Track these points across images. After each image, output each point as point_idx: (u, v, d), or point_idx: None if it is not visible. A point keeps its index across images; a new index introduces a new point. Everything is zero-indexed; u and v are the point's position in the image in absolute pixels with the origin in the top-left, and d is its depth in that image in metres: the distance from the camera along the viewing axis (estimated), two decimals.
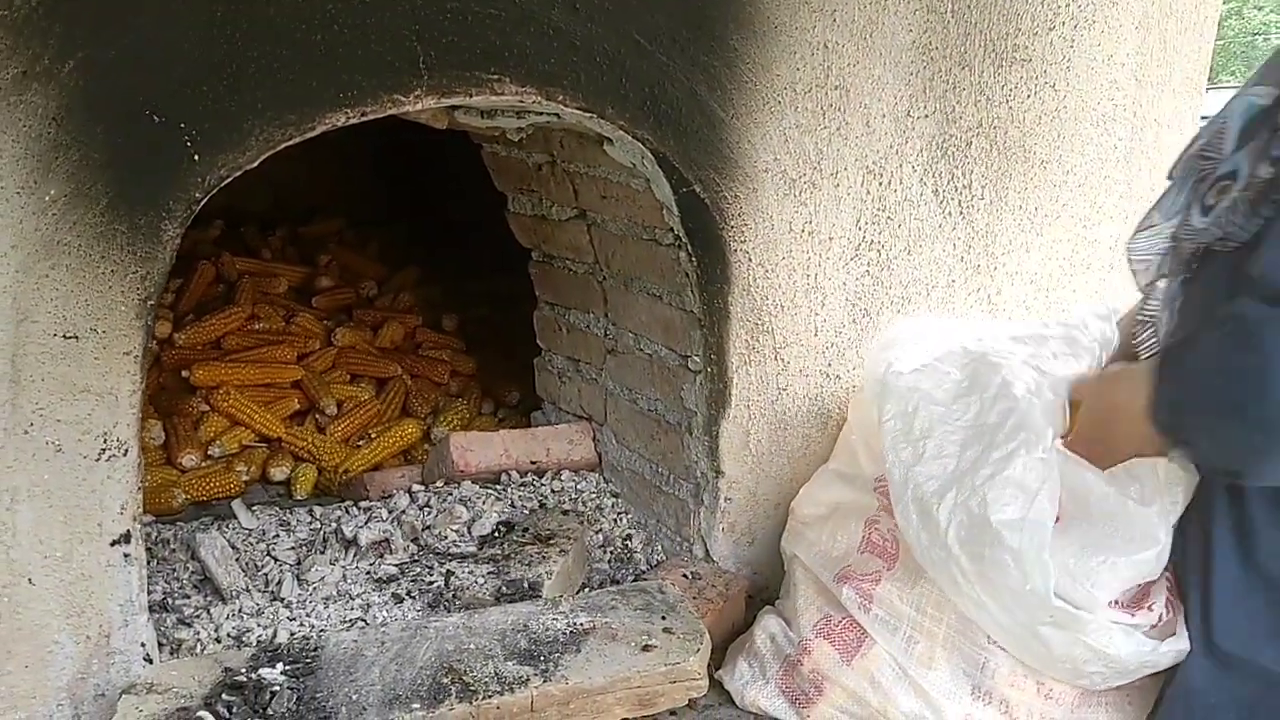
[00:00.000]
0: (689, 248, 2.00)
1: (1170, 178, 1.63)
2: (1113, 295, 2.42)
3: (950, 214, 2.23)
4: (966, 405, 1.69)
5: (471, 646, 1.69)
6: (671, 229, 2.02)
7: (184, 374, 2.76)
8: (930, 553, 1.64)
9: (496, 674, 1.62)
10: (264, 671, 1.62)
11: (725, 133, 1.93)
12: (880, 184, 2.13)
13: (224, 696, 1.56)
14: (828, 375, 2.17)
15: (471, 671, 1.63)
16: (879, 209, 2.14)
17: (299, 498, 2.57)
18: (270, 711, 1.53)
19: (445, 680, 1.60)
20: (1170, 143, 2.50)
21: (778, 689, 1.83)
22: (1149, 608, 1.55)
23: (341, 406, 2.87)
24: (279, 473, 2.63)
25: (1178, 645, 1.54)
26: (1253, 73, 1.54)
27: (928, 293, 2.25)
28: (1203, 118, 2.62)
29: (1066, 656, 1.57)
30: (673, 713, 1.80)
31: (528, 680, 1.62)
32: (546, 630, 1.75)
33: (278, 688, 1.57)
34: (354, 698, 1.56)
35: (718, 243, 1.99)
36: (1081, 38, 2.28)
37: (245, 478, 2.60)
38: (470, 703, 1.56)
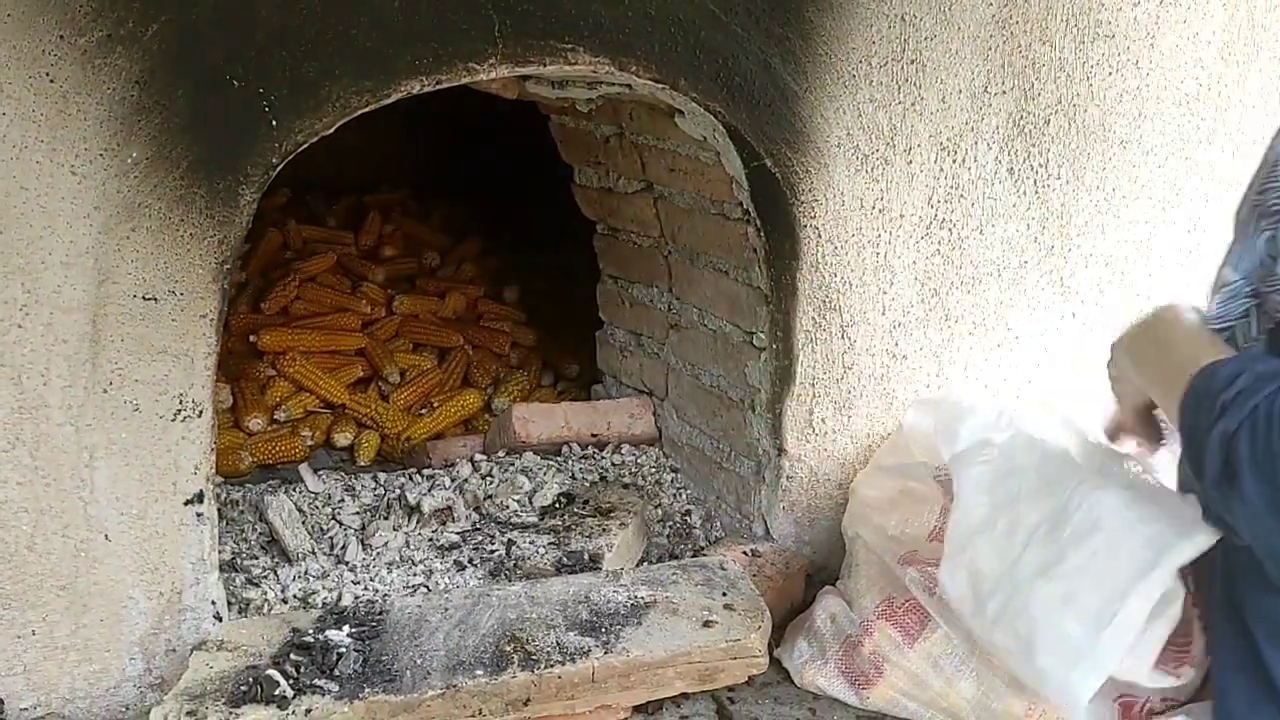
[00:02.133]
0: (758, 223, 1.98)
1: (1237, 222, 1.46)
2: (1186, 282, 2.37)
3: (1025, 193, 2.18)
4: (1044, 497, 1.56)
5: (533, 616, 1.70)
6: (740, 203, 2.00)
7: (251, 339, 2.80)
8: (973, 622, 1.59)
9: (558, 644, 1.63)
10: (330, 633, 1.64)
11: (798, 106, 1.90)
12: (954, 161, 2.09)
13: (292, 656, 1.58)
14: (894, 355, 2.14)
15: (534, 640, 1.64)
16: (952, 186, 2.10)
17: (362, 464, 2.60)
18: (337, 672, 1.55)
19: (508, 648, 1.62)
20: (1256, 125, 2.42)
21: (837, 669, 1.82)
22: (1189, 663, 1.46)
23: (404, 375, 2.89)
24: (342, 439, 2.67)
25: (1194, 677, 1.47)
26: None
27: (999, 273, 2.20)
28: None
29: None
30: (731, 689, 1.80)
31: (589, 651, 1.62)
32: (608, 602, 1.75)
33: (344, 649, 1.59)
34: (418, 662, 1.58)
35: (787, 218, 1.96)
36: (1167, 14, 2.21)
37: (310, 442, 2.63)
38: (533, 671, 1.57)
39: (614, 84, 1.88)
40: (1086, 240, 2.29)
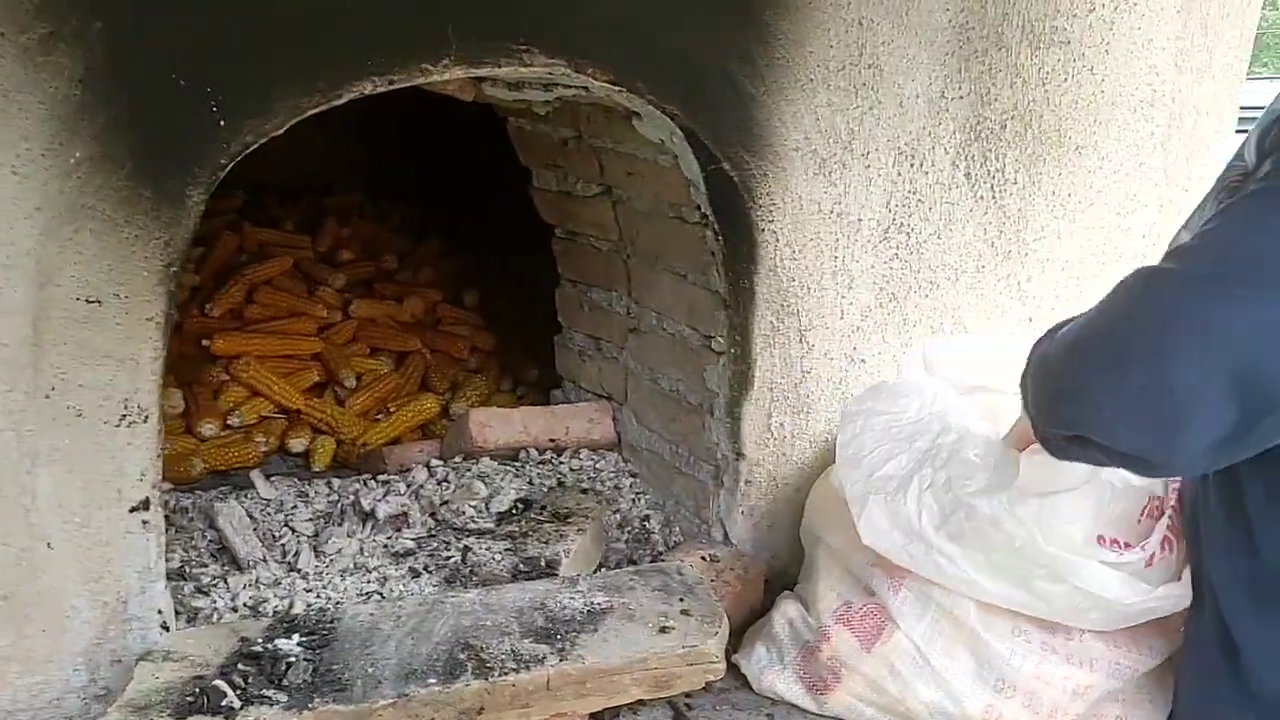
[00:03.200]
0: (716, 226, 1.98)
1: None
2: None
3: (982, 198, 2.19)
4: (907, 405, 1.78)
5: (488, 623, 1.68)
6: (698, 207, 2.00)
7: (204, 343, 2.76)
8: (908, 550, 1.65)
9: (513, 651, 1.61)
10: (280, 642, 1.61)
11: (755, 110, 1.90)
12: (912, 166, 2.09)
13: (240, 666, 1.55)
14: (852, 359, 2.14)
15: (488, 648, 1.62)
16: (910, 191, 2.10)
17: (317, 469, 2.57)
18: (286, 682, 1.52)
19: (461, 656, 1.59)
20: (1209, 131, 2.45)
21: (795, 675, 1.81)
22: (1141, 547, 1.58)
23: (361, 379, 2.86)
24: (297, 444, 2.63)
25: (1175, 591, 1.55)
26: None
27: (956, 278, 2.21)
28: (1242, 108, 2.58)
29: (1067, 607, 1.59)
30: (688, 695, 1.79)
31: (544, 659, 1.61)
32: (564, 609, 1.74)
33: (294, 659, 1.57)
34: (370, 670, 1.56)
35: (745, 222, 1.96)
36: (1121, 20, 2.23)
37: (264, 448, 2.59)
38: (486, 679, 1.55)
39: (571, 86, 1.86)
40: (1043, 245, 2.30)
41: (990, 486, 1.60)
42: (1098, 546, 1.57)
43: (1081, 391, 1.21)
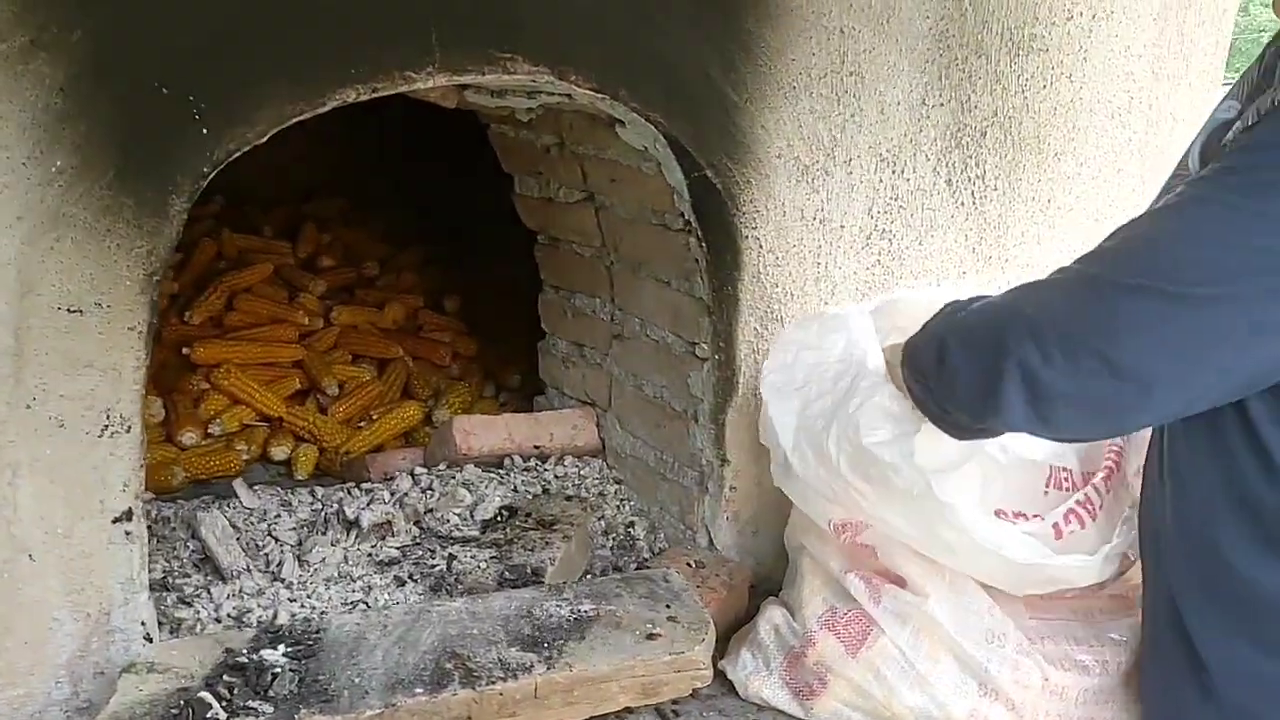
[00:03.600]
0: (699, 233, 1.98)
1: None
2: None
3: (963, 204, 2.21)
4: (834, 342, 1.77)
5: (475, 631, 1.68)
6: (682, 214, 2.00)
7: (185, 351, 2.74)
8: (831, 486, 1.69)
9: (500, 660, 1.61)
10: (265, 653, 1.60)
11: (739, 117, 1.91)
12: (893, 172, 2.10)
13: (225, 677, 1.54)
14: None
15: (475, 657, 1.61)
16: (891, 198, 2.12)
17: (300, 478, 2.56)
18: (272, 693, 1.51)
19: (448, 665, 1.59)
20: (1185, 137, 2.47)
21: (781, 680, 1.81)
22: (1040, 518, 1.63)
23: (343, 387, 2.84)
24: (280, 452, 2.61)
25: (1081, 563, 1.60)
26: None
27: (938, 283, 2.22)
28: None
29: (970, 560, 1.62)
30: (675, 702, 1.79)
31: (531, 667, 1.60)
32: (550, 616, 1.74)
33: (279, 669, 1.56)
34: (356, 681, 1.55)
35: (729, 229, 1.96)
36: (1099, 28, 2.25)
37: (246, 457, 2.58)
38: (474, 688, 1.55)
39: (554, 94, 1.87)
40: (1023, 250, 2.32)
41: (894, 436, 1.61)
42: (996, 519, 1.61)
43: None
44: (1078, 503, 1.65)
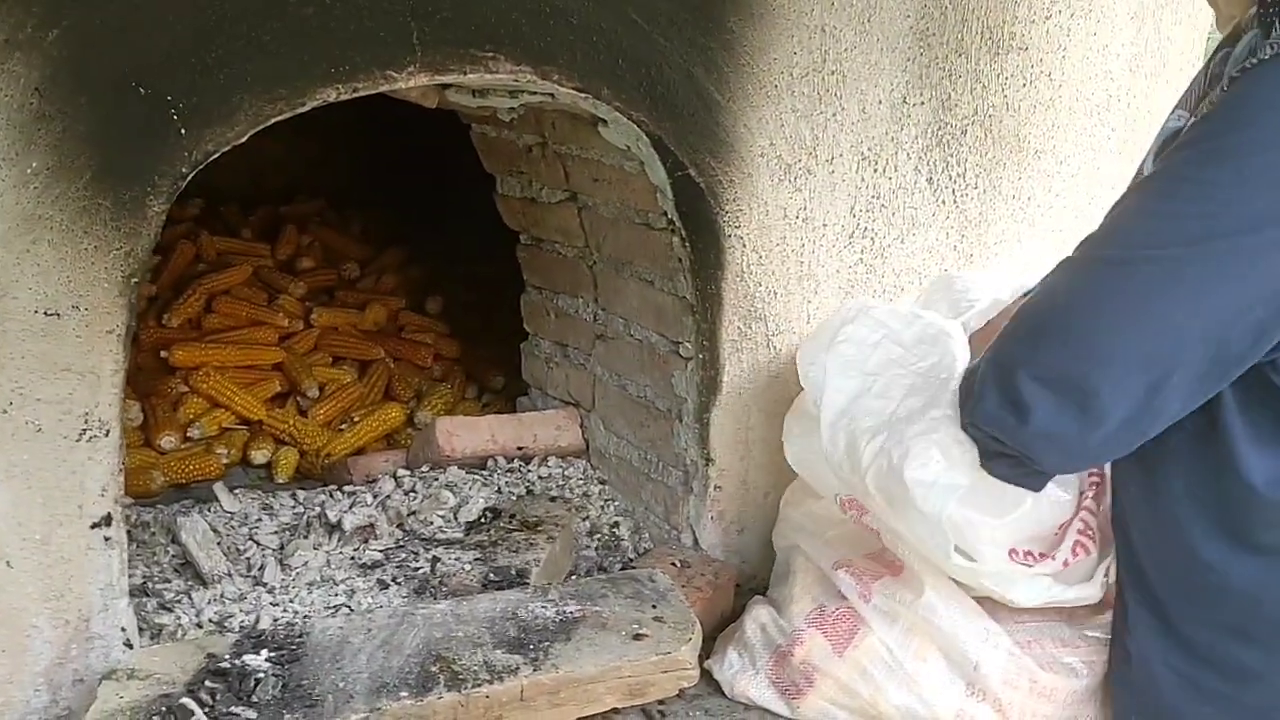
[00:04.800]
0: (682, 232, 1.98)
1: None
2: None
3: (944, 202, 2.21)
4: (925, 354, 1.67)
5: (460, 634, 1.67)
6: (665, 213, 2.00)
7: (163, 354, 2.71)
8: (849, 480, 1.65)
9: (486, 662, 1.60)
10: (248, 658, 1.58)
11: (721, 116, 1.90)
12: (875, 171, 2.11)
13: (207, 683, 1.52)
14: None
15: (460, 660, 1.60)
16: (873, 196, 2.12)
17: (280, 481, 2.54)
18: (255, 699, 1.50)
19: (434, 669, 1.58)
20: None
21: (768, 679, 1.81)
22: (1052, 556, 1.58)
23: (323, 389, 2.83)
24: (260, 455, 2.59)
25: (1083, 592, 1.59)
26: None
27: (920, 281, 2.23)
28: None
29: (976, 587, 1.61)
30: (661, 702, 1.78)
31: (517, 669, 1.59)
32: (536, 618, 1.73)
33: (262, 675, 1.54)
34: (340, 685, 1.54)
35: (712, 228, 1.96)
36: (1077, 26, 2.26)
37: (225, 460, 2.56)
38: (459, 691, 1.54)
39: (536, 93, 1.86)
40: (1004, 248, 2.33)
41: (935, 481, 1.53)
42: (1009, 560, 1.57)
43: (1009, 372, 1.35)
44: (1079, 531, 1.60)
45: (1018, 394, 1.32)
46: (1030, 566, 1.56)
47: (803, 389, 1.87)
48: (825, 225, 2.07)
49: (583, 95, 1.78)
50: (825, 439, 1.67)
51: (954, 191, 2.22)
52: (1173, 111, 1.48)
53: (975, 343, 1.67)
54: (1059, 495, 1.58)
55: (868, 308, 1.78)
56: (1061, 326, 1.30)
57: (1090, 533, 1.60)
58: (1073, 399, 1.28)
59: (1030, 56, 2.22)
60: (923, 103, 2.12)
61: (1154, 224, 1.27)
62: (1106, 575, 1.63)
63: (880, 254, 2.16)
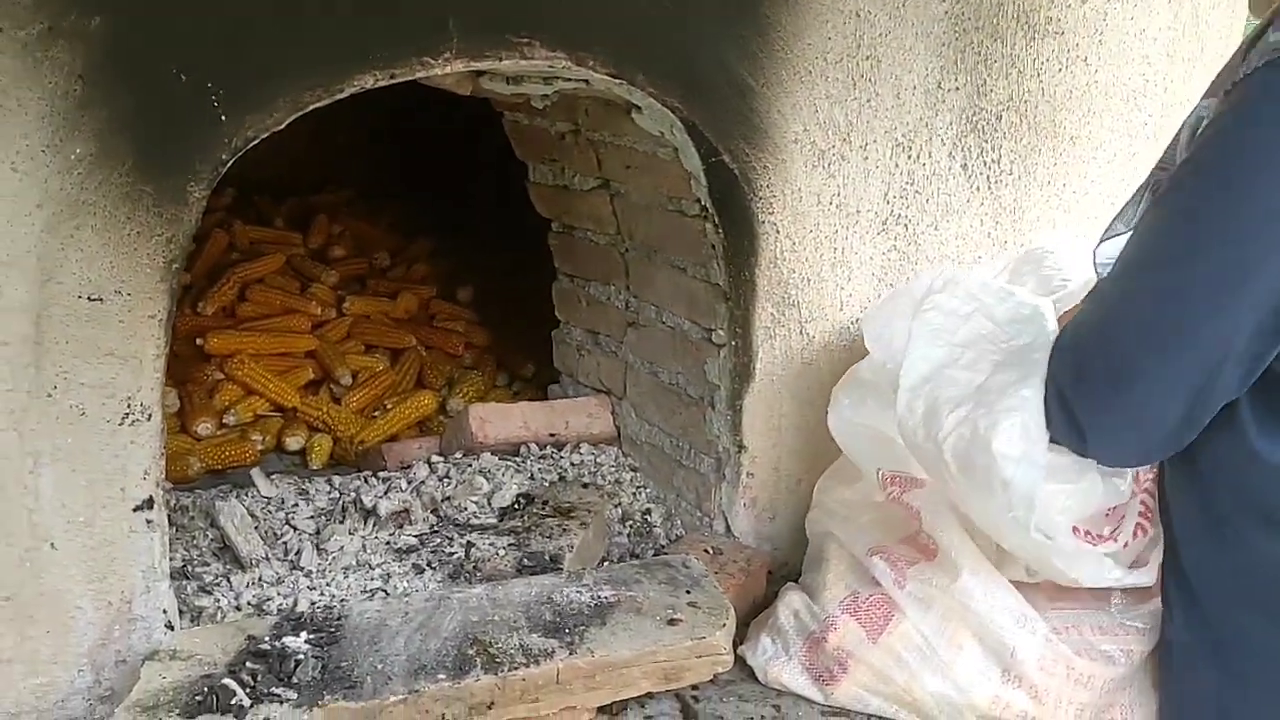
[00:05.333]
0: (716, 219, 1.98)
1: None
2: None
3: (978, 189, 2.20)
4: (1018, 333, 1.62)
5: (496, 618, 1.68)
6: (698, 200, 2.00)
7: (198, 342, 2.74)
8: (923, 447, 1.60)
9: (522, 646, 1.61)
10: (288, 640, 1.60)
11: (755, 102, 1.90)
12: (909, 157, 2.10)
13: (248, 665, 1.54)
14: (852, 351, 2.14)
15: (496, 643, 1.61)
16: (907, 182, 2.11)
17: (315, 468, 2.56)
18: (295, 680, 1.52)
19: (470, 651, 1.59)
20: None
21: (801, 666, 1.81)
22: (1114, 538, 1.59)
23: (356, 377, 2.85)
24: (294, 442, 2.62)
25: (1140, 579, 1.59)
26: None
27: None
28: None
29: (1037, 561, 1.61)
30: (695, 687, 1.79)
31: (553, 653, 1.60)
32: (570, 603, 1.74)
33: (302, 656, 1.56)
34: (379, 667, 1.55)
35: (745, 214, 1.96)
36: (1114, 10, 2.24)
37: (260, 447, 2.58)
38: (496, 674, 1.55)
39: (571, 79, 1.86)
40: (1039, 235, 2.31)
41: (1022, 456, 1.51)
42: (1072, 536, 1.56)
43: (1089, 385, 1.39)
44: (1139, 513, 1.60)
45: (1075, 421, 1.38)
46: (1095, 546, 1.56)
47: (863, 359, 1.86)
48: (859, 212, 2.07)
49: (617, 81, 1.78)
50: (902, 404, 1.62)
51: (988, 178, 2.21)
52: (1202, 99, 1.46)
53: (1062, 323, 1.65)
54: (1117, 481, 1.57)
55: (956, 278, 1.73)
56: (1104, 358, 1.36)
57: (1150, 514, 1.60)
58: (1128, 420, 1.35)
59: (1066, 41, 2.20)
60: (957, 88, 2.11)
61: (1169, 241, 1.32)
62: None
63: (914, 240, 2.15)
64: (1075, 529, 1.56)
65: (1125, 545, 1.58)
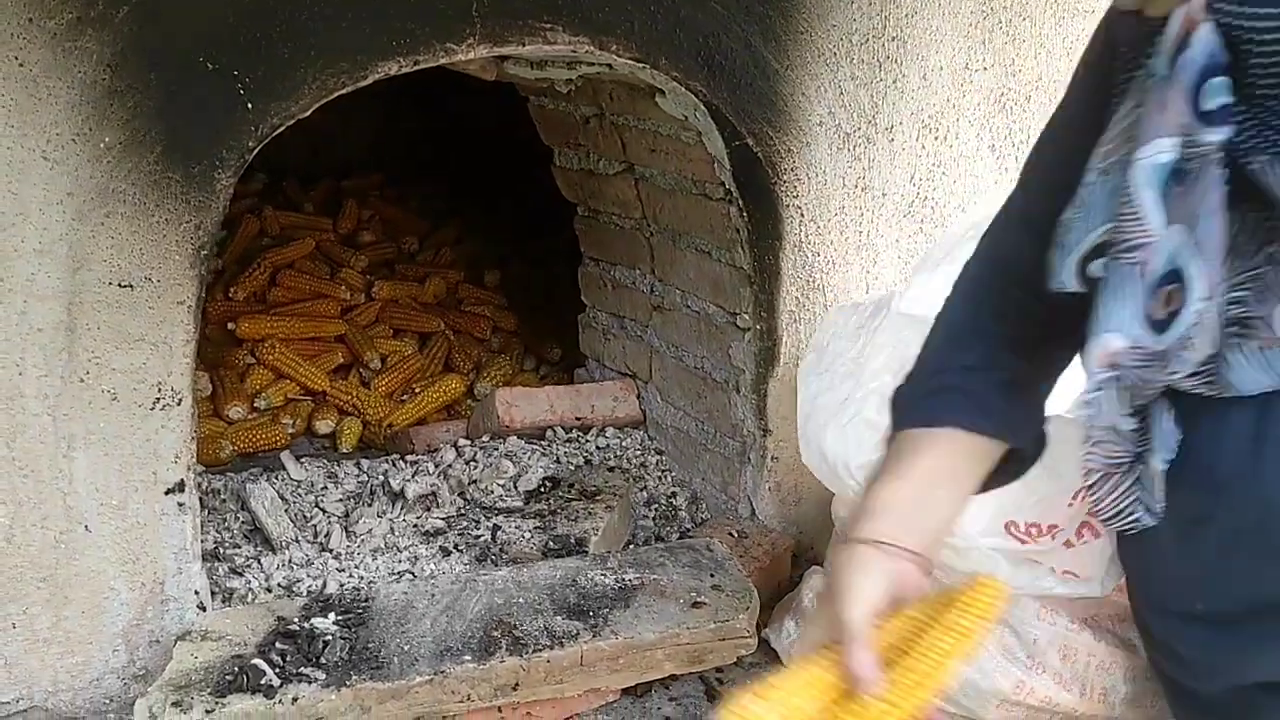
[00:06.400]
0: (740, 203, 1.97)
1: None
2: None
3: (1006, 170, 2.18)
4: (862, 337, 1.72)
5: (521, 600, 1.70)
6: (722, 183, 1.99)
7: (229, 326, 2.77)
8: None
9: (546, 628, 1.63)
10: (316, 621, 1.63)
11: (779, 85, 1.89)
12: (936, 139, 2.08)
13: (277, 645, 1.57)
14: None
15: (522, 625, 1.63)
16: (934, 164, 2.09)
17: (344, 451, 2.58)
18: (323, 660, 1.54)
19: (496, 633, 1.61)
20: None
21: None
22: (1052, 535, 1.51)
23: (385, 361, 2.87)
24: (324, 426, 2.64)
25: (1079, 589, 1.54)
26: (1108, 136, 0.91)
27: None
28: None
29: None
30: (719, 670, 1.80)
31: (578, 635, 1.62)
32: (595, 585, 1.75)
33: (330, 637, 1.58)
34: (405, 648, 1.57)
35: (769, 197, 1.95)
36: None
37: (291, 430, 2.61)
38: (521, 656, 1.57)
39: (594, 64, 1.86)
40: None
41: None
42: (1004, 534, 1.51)
43: None
44: (1088, 513, 1.53)
45: None
46: (1024, 545, 1.50)
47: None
48: (885, 194, 2.05)
49: (640, 65, 1.78)
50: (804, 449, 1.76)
51: (1017, 159, 2.18)
52: (1133, 154, 1.39)
53: None
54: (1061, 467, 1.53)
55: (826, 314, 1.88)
56: None
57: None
58: None
59: (1097, 20, 2.17)
60: (985, 69, 2.09)
61: None
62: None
63: (941, 223, 2.14)
64: (1010, 524, 1.50)
65: (1067, 543, 1.52)
